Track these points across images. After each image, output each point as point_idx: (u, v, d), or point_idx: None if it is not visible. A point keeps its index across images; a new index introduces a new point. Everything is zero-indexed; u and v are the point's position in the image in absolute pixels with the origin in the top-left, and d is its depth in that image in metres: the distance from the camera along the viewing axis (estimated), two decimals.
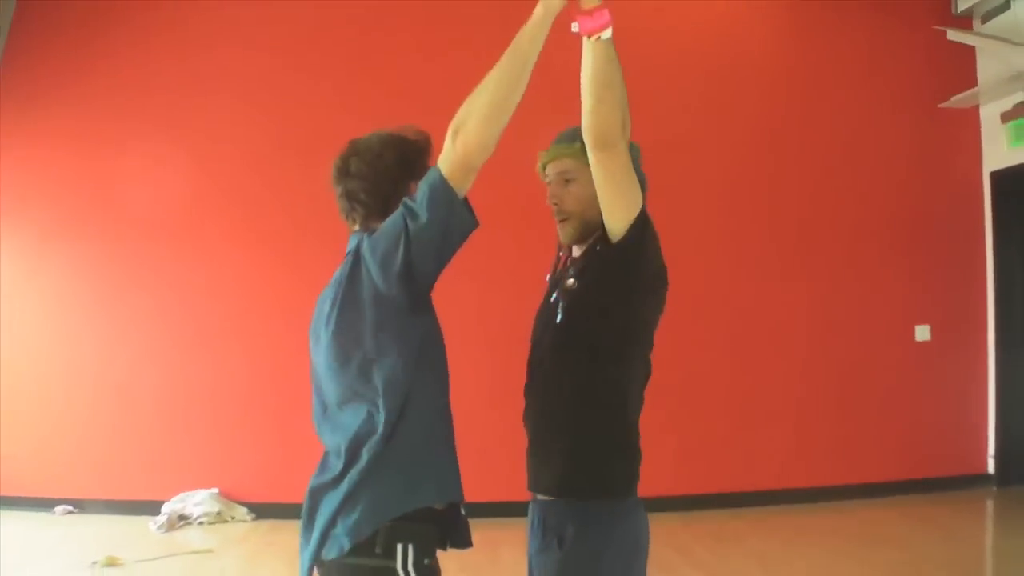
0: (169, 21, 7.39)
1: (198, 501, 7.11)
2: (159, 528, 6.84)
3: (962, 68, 7.46)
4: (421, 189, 2.21)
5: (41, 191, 7.47)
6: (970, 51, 7.45)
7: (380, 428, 2.35)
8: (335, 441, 2.45)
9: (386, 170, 2.46)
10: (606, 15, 2.19)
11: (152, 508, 7.06)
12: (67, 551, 6.30)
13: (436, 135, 2.57)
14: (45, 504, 7.30)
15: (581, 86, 2.31)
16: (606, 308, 2.49)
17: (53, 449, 7.36)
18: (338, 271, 2.47)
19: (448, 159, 2.14)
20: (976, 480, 7.45)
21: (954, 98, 7.31)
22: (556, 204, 2.61)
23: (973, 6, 7.29)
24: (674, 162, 6.97)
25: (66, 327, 7.45)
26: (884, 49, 7.49)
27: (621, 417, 2.61)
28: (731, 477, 7.26)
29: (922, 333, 7.43)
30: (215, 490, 7.21)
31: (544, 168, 2.68)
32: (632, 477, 2.61)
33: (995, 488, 7.40)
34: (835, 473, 7.29)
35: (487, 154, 2.20)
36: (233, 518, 7.12)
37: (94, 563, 5.96)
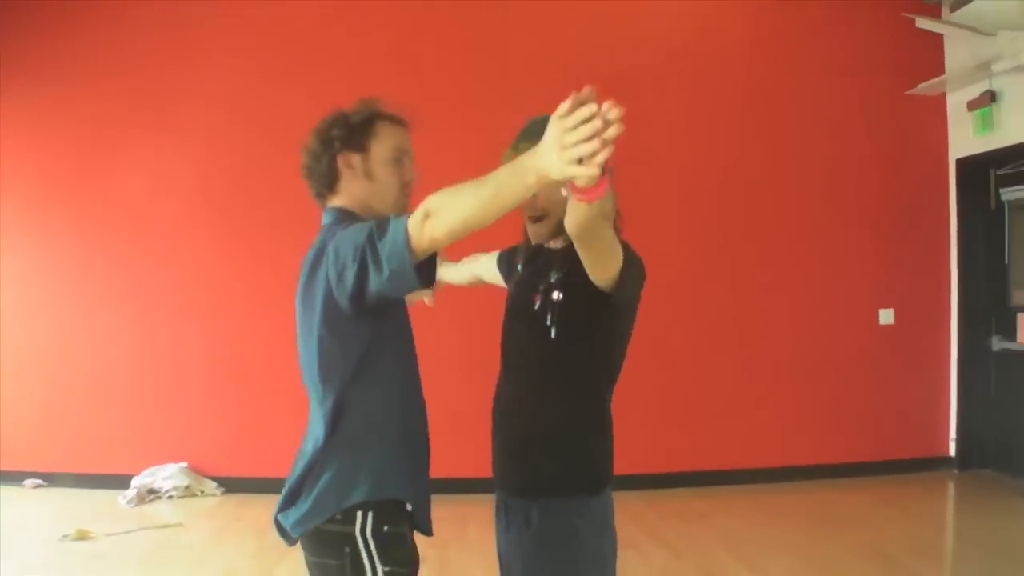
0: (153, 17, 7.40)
1: (167, 475, 7.15)
2: (129, 502, 6.88)
3: (930, 56, 7.51)
4: (388, 234, 2.10)
5: (22, 176, 7.49)
6: (938, 39, 7.49)
7: (321, 420, 2.43)
8: (309, 420, 2.53)
9: (311, 153, 2.55)
10: (604, 186, 1.76)
11: (121, 482, 7.11)
12: (37, 524, 6.35)
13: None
14: (14, 478, 7.32)
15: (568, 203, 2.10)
16: (595, 324, 2.50)
17: (23, 423, 7.38)
18: (314, 245, 2.47)
19: (415, 232, 2.04)
20: (938, 463, 7.55)
21: (921, 85, 7.38)
22: (530, 203, 2.51)
23: None
24: (646, 151, 7.04)
25: (35, 304, 7.47)
26: (853, 35, 7.53)
27: (605, 422, 2.67)
28: (695, 457, 7.35)
29: (886, 317, 7.52)
30: (184, 464, 7.25)
31: None
32: (610, 476, 2.66)
33: (956, 471, 7.50)
34: (799, 454, 7.40)
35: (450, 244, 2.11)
36: (202, 492, 7.17)
37: (65, 536, 6.00)
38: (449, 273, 3.29)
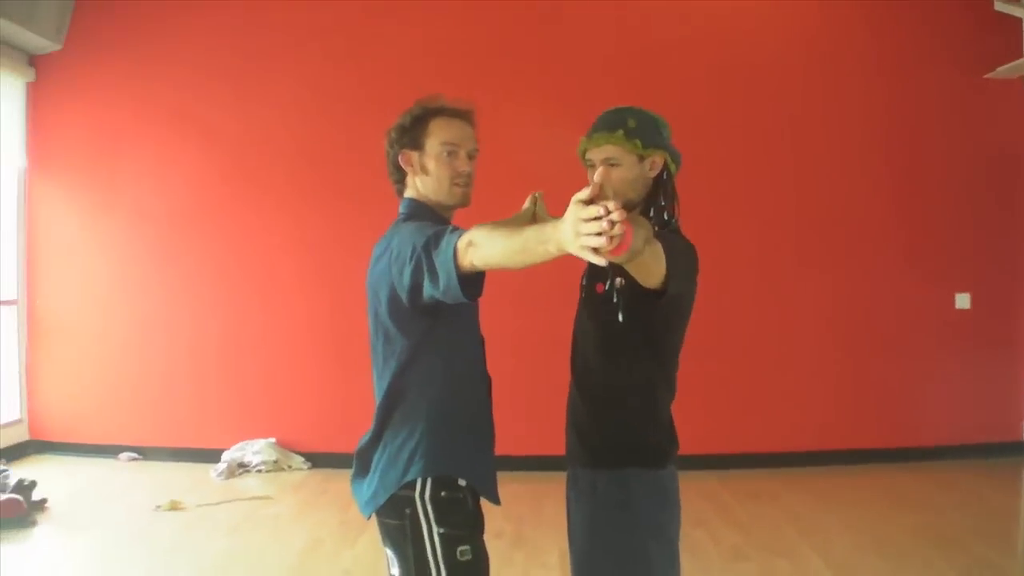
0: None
1: (256, 450, 7.40)
2: (219, 475, 7.13)
3: (1008, 39, 7.41)
4: (441, 248, 2.26)
5: (116, 154, 7.80)
6: (1016, 22, 7.39)
7: (379, 398, 2.65)
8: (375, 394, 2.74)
9: (385, 152, 2.77)
10: (623, 248, 1.83)
11: (212, 456, 7.37)
12: (132, 495, 6.63)
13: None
14: (111, 451, 7.64)
15: None
16: (653, 309, 2.58)
17: (119, 399, 7.71)
18: (385, 234, 2.66)
19: (460, 254, 2.18)
20: (1011, 448, 7.49)
21: (1000, 69, 7.31)
22: (603, 185, 2.72)
23: None
24: (720, 129, 7.19)
25: (133, 283, 7.77)
26: (931, 18, 7.51)
27: (666, 400, 2.82)
28: (769, 437, 7.42)
29: (962, 301, 7.50)
30: (272, 440, 7.50)
31: (584, 154, 2.79)
32: (673, 452, 2.80)
33: None
34: (871, 437, 7.42)
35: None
36: (290, 467, 7.40)
37: (158, 507, 6.27)
38: None
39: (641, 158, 2.70)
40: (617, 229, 1.76)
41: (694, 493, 6.35)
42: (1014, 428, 7.57)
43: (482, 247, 2.14)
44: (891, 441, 7.43)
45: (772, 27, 7.54)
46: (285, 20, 7.59)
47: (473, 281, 2.25)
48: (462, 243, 2.18)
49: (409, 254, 2.36)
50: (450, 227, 2.35)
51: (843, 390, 7.45)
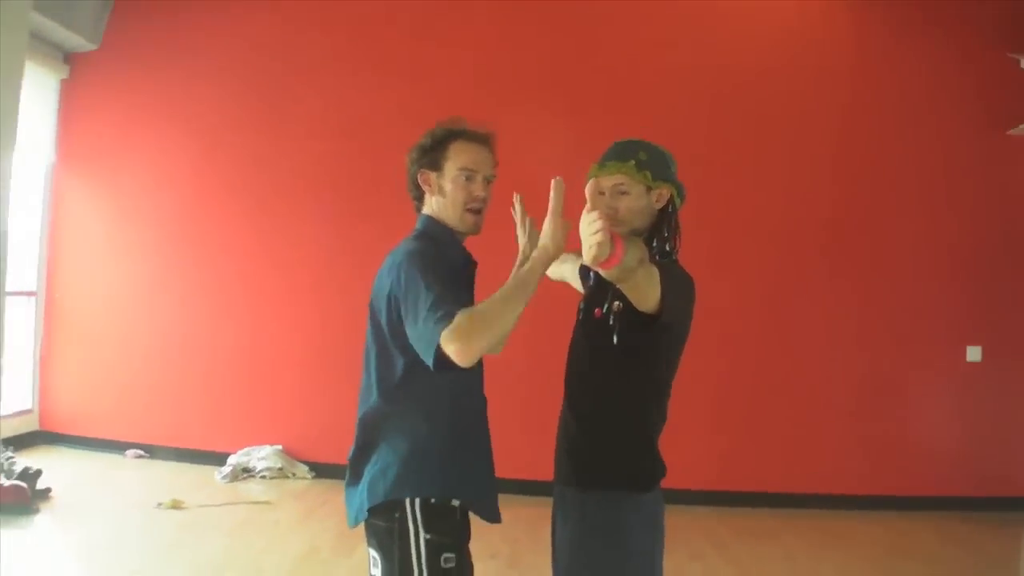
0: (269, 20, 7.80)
1: (262, 456, 7.46)
2: (223, 478, 7.20)
3: None
4: (430, 328, 2.35)
5: (142, 157, 7.94)
6: None
7: (370, 407, 2.70)
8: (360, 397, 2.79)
9: (408, 171, 2.82)
10: (615, 259, 2.12)
11: (218, 459, 7.44)
12: (135, 491, 6.72)
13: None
14: (118, 447, 7.73)
15: None
16: (648, 335, 2.62)
17: (130, 396, 7.80)
18: (397, 248, 2.71)
19: (444, 344, 2.29)
20: (1019, 503, 7.43)
21: (1022, 125, 7.37)
22: (611, 214, 2.70)
23: None
24: (737, 175, 7.28)
25: (150, 284, 7.88)
26: (955, 74, 7.54)
27: (655, 426, 2.84)
28: (773, 478, 7.38)
29: (973, 354, 7.48)
30: (279, 447, 7.55)
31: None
32: (660, 476, 2.81)
33: None
34: (877, 483, 7.38)
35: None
36: (294, 475, 7.44)
37: (159, 504, 6.34)
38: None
39: (649, 189, 2.74)
40: (601, 235, 2.01)
41: (693, 528, 6.35)
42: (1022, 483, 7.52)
43: (476, 336, 2.28)
44: (897, 488, 7.37)
45: (796, 76, 7.58)
46: (317, 38, 7.72)
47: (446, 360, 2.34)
48: (444, 338, 2.29)
49: (411, 301, 2.47)
50: (443, 311, 2.37)
51: (853, 436, 7.42)
